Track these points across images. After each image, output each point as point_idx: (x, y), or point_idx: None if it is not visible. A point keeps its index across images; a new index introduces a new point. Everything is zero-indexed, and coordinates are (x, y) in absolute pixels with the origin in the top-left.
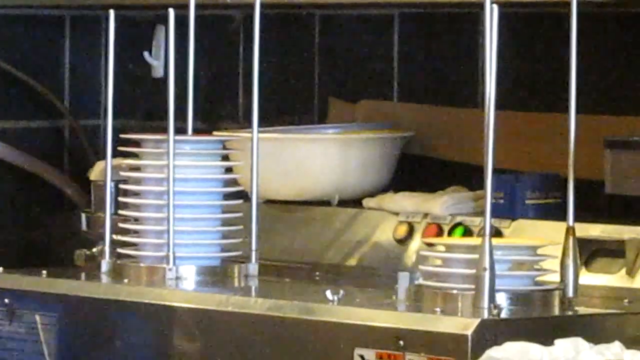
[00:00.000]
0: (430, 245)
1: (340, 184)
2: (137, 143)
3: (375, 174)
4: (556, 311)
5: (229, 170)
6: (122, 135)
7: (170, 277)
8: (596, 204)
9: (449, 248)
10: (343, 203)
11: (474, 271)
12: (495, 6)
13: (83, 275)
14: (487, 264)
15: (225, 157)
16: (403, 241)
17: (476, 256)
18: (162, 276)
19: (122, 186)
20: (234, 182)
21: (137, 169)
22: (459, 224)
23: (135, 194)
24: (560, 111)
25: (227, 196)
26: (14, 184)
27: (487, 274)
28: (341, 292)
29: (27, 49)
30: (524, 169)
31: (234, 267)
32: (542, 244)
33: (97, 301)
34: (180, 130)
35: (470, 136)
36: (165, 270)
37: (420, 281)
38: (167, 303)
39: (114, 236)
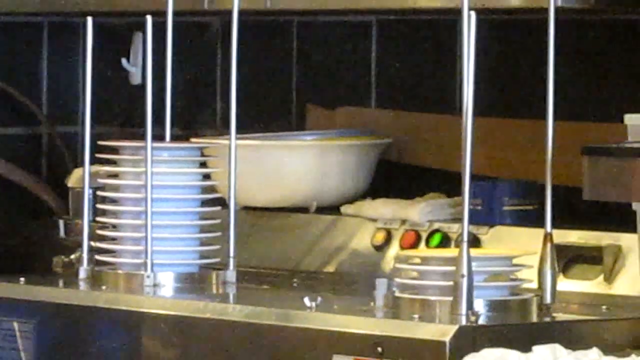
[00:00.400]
0: (406, 258)
1: (318, 191)
2: (115, 150)
3: (353, 181)
4: (534, 318)
5: (206, 177)
6: (100, 142)
7: (148, 284)
8: (574, 210)
9: (425, 260)
10: (321, 210)
11: (450, 283)
12: (472, 13)
13: (61, 282)
14: (464, 271)
15: (203, 164)
16: (381, 248)
17: (453, 268)
18: (140, 283)
19: (100, 193)
20: (212, 189)
21: (115, 175)
22: (437, 230)
23: (113, 201)
24: (538, 117)
25: (205, 203)
26: None
27: (464, 281)
28: (319, 298)
29: (4, 55)
30: (502, 176)
31: (212, 274)
32: (517, 254)
33: (75, 308)
34: (158, 137)
35: (448, 143)
36: (143, 277)
37: (397, 294)
38: (145, 310)
39: (92, 243)
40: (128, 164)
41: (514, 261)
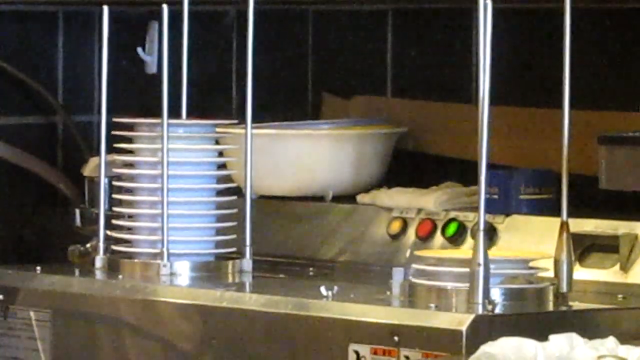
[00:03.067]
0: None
1: (334, 180)
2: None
3: (369, 170)
4: (550, 307)
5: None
6: (115, 119)
7: (164, 273)
8: (590, 199)
9: (440, 262)
10: (337, 199)
11: (465, 286)
12: (489, 2)
13: (77, 271)
14: (481, 260)
15: (218, 143)
16: (397, 237)
17: (467, 270)
18: (156, 272)
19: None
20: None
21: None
22: (453, 219)
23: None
24: (554, 106)
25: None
26: (7, 180)
27: (481, 270)
28: (335, 287)
29: (20, 45)
30: (518, 165)
31: (228, 263)
32: (535, 257)
33: (91, 297)
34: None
35: (464, 131)
36: (159, 266)
37: (413, 282)
38: (161, 299)
39: (108, 232)
40: (144, 141)
41: (531, 264)
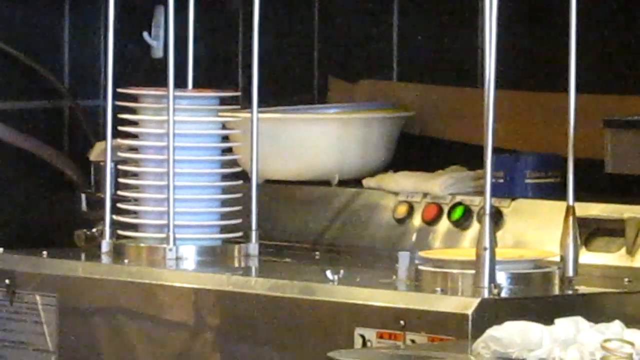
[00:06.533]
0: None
1: (340, 164)
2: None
3: (375, 154)
4: (556, 290)
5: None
6: (120, 90)
7: (170, 258)
8: (596, 183)
9: (445, 264)
10: (343, 183)
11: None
12: None
13: (83, 255)
14: (487, 244)
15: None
16: (403, 221)
17: (472, 271)
18: (162, 256)
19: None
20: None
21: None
22: (459, 203)
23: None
24: (560, 90)
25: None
26: (14, 165)
27: (487, 254)
28: (341, 271)
29: (26, 29)
30: (524, 149)
31: (234, 247)
32: (542, 256)
33: (98, 281)
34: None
35: (470, 115)
36: (165, 250)
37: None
38: (167, 283)
39: (114, 217)
40: (150, 113)
41: (539, 263)
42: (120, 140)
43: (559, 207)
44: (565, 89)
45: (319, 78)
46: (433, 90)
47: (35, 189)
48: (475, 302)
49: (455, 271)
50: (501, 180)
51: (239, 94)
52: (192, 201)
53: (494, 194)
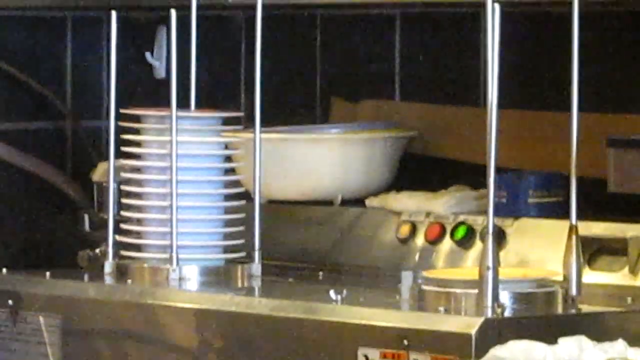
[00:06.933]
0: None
1: (343, 184)
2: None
3: (378, 174)
4: (559, 310)
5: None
6: (123, 110)
7: (173, 278)
8: (599, 202)
9: (449, 283)
10: (346, 203)
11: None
12: (497, 5)
13: (86, 276)
14: (490, 263)
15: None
16: (406, 240)
17: (475, 291)
18: (165, 277)
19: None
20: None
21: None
22: (462, 223)
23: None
24: (562, 109)
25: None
26: (17, 185)
27: (490, 273)
28: (345, 291)
29: (29, 50)
30: (527, 168)
31: (237, 268)
32: (544, 275)
33: (101, 302)
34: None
35: (472, 135)
36: (168, 271)
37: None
38: (170, 304)
39: (117, 237)
40: (152, 133)
41: (541, 282)
42: (123, 161)
43: (562, 226)
44: (568, 108)
45: (321, 98)
46: (436, 109)
47: (38, 209)
48: (479, 321)
49: (458, 291)
50: (504, 200)
51: (241, 114)
52: (195, 221)
53: (496, 213)
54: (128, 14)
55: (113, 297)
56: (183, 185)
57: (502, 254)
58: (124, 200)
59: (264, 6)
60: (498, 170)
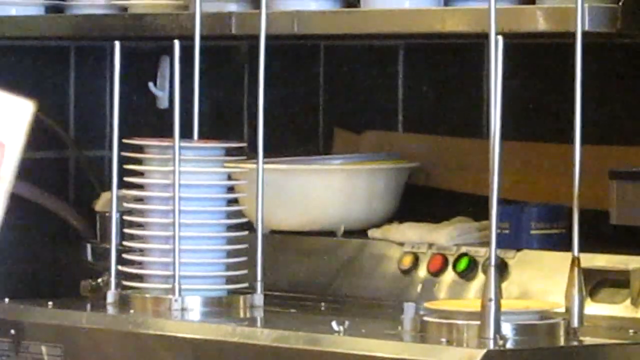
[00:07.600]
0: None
1: (345, 215)
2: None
3: (381, 205)
4: (562, 341)
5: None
6: (125, 140)
7: (176, 308)
8: (601, 234)
9: (451, 315)
10: (348, 234)
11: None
12: (500, 37)
13: (89, 306)
14: (492, 295)
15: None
16: (408, 272)
17: (477, 322)
18: (167, 307)
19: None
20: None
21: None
22: (464, 254)
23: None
24: (565, 141)
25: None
26: (19, 215)
27: (492, 305)
28: (347, 322)
29: (32, 79)
30: (529, 200)
31: (239, 298)
32: (546, 307)
33: (103, 332)
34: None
35: (475, 166)
36: (171, 301)
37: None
38: (173, 334)
39: (119, 267)
40: (155, 163)
41: (543, 314)
42: (125, 191)
43: (564, 258)
44: (571, 140)
45: (324, 129)
46: (438, 141)
47: (41, 239)
48: (481, 353)
49: (460, 322)
50: (506, 231)
51: (244, 144)
52: (197, 252)
53: (499, 245)
54: (131, 44)
55: (115, 327)
56: (185, 215)
57: (504, 285)
58: (127, 230)
59: (267, 37)
60: (501, 201)
